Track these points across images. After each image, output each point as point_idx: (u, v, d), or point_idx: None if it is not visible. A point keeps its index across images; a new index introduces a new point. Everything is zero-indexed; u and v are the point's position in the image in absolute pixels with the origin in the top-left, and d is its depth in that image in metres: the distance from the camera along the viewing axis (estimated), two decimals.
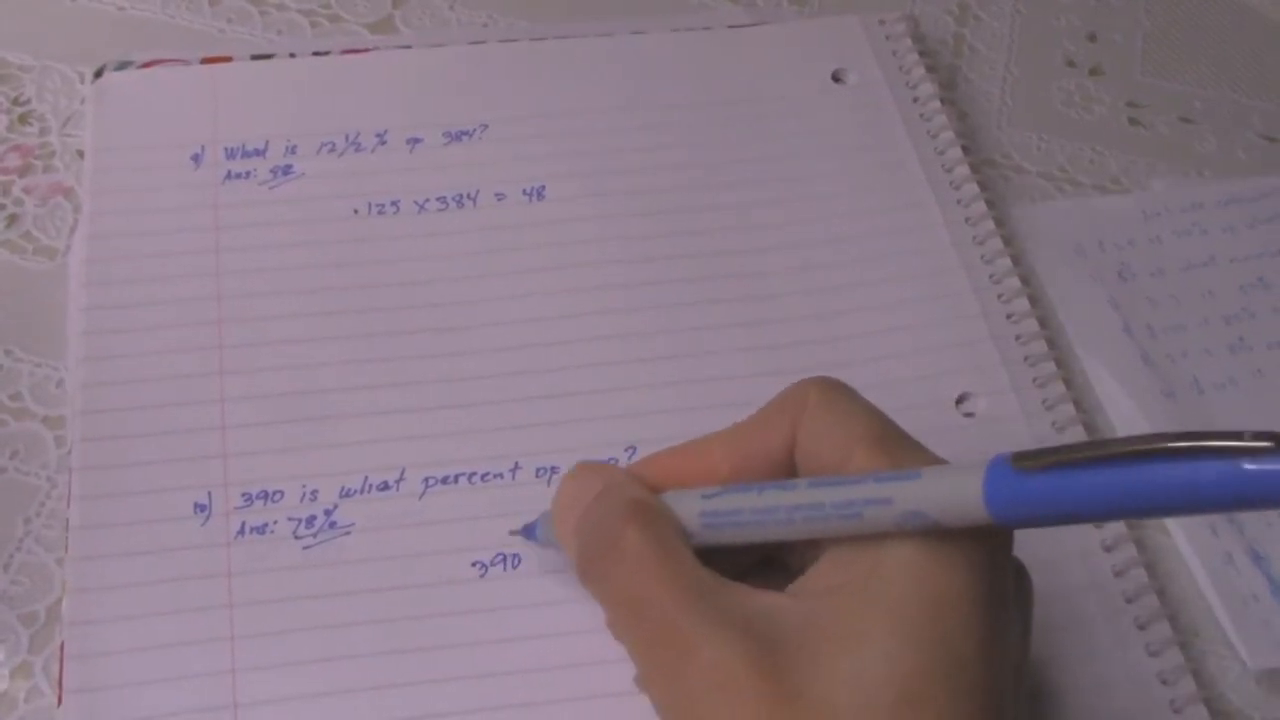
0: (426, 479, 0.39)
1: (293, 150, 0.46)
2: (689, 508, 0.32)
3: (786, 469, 0.33)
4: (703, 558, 0.32)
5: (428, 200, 0.45)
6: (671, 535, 0.32)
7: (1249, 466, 0.24)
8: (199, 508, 0.38)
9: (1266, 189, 0.50)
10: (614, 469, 0.35)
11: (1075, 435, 0.42)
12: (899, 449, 0.31)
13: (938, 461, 0.31)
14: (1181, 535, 0.42)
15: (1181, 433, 0.25)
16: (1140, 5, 0.56)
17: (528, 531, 0.38)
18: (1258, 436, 0.24)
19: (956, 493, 0.28)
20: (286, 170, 0.45)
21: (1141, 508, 0.26)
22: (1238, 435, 0.24)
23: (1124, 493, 0.26)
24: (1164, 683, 0.38)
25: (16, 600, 0.38)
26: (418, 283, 0.43)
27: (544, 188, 0.46)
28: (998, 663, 0.29)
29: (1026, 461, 0.27)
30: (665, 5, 0.53)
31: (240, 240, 0.44)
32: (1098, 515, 0.28)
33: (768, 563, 0.34)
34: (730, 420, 0.34)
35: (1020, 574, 0.32)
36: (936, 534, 0.29)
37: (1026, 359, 0.44)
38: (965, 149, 0.49)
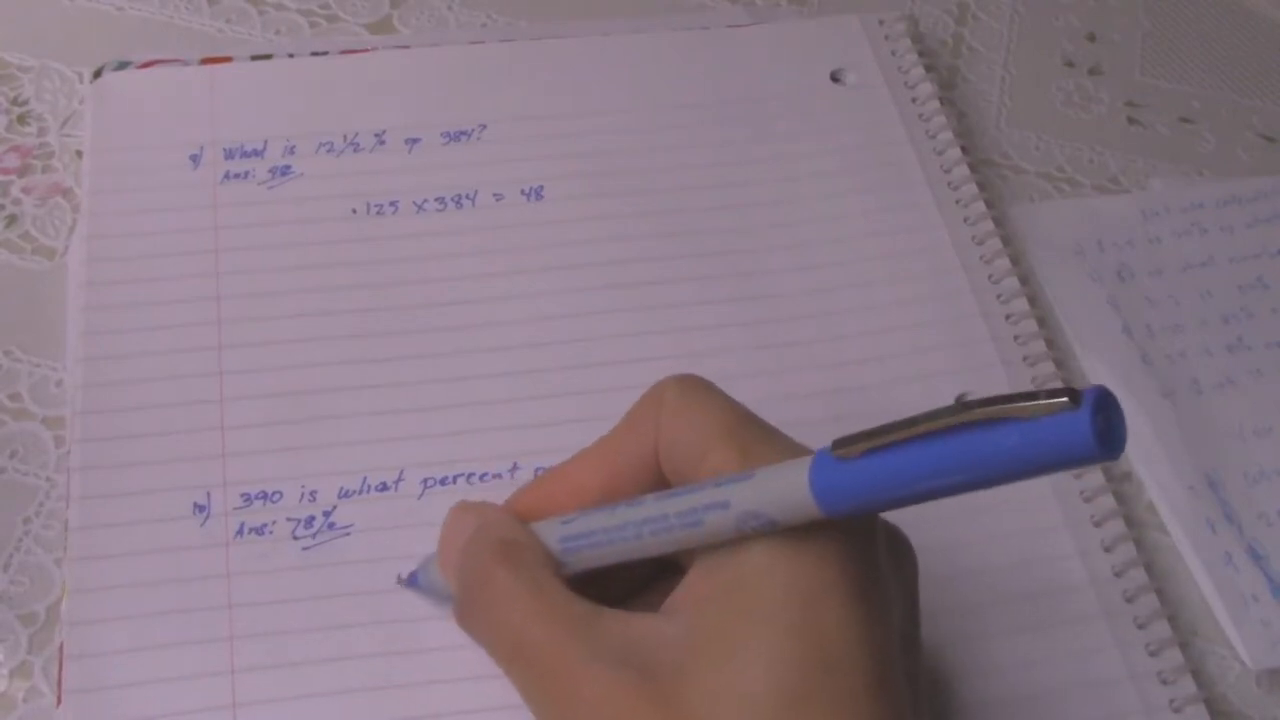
0: (425, 479, 0.39)
1: (291, 150, 0.46)
2: (551, 537, 0.32)
3: (657, 474, 0.32)
4: (590, 584, 0.31)
5: (426, 200, 0.45)
6: (542, 571, 0.31)
7: (1046, 425, 0.23)
8: (198, 508, 0.38)
9: (1265, 189, 0.50)
10: (489, 507, 0.34)
11: None
12: (752, 442, 0.30)
13: (796, 451, 0.30)
14: (1181, 535, 0.42)
15: (983, 399, 0.25)
16: (1140, 5, 0.56)
17: (411, 580, 0.37)
18: (1053, 394, 0.23)
19: (786, 488, 0.28)
20: (285, 170, 0.45)
21: (960, 482, 0.25)
22: (1033, 395, 0.24)
23: (938, 468, 0.25)
24: (1164, 682, 0.38)
25: (16, 600, 0.38)
26: (416, 283, 0.43)
27: (542, 188, 0.46)
28: (880, 648, 0.29)
29: (843, 449, 0.27)
30: (664, 5, 0.53)
31: (239, 240, 0.44)
32: (921, 494, 0.26)
33: (667, 572, 0.33)
34: None
35: (895, 541, 0.32)
36: (794, 532, 0.28)
37: (1025, 359, 0.44)
38: (964, 149, 0.49)
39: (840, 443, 0.27)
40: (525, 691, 0.31)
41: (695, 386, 0.32)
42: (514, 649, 0.31)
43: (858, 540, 0.29)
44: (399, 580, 0.38)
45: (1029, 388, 0.43)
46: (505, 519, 0.33)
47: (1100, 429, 0.23)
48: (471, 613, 0.32)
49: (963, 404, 0.25)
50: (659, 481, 0.32)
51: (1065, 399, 0.23)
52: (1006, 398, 0.24)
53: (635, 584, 0.32)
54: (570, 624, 0.30)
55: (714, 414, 0.31)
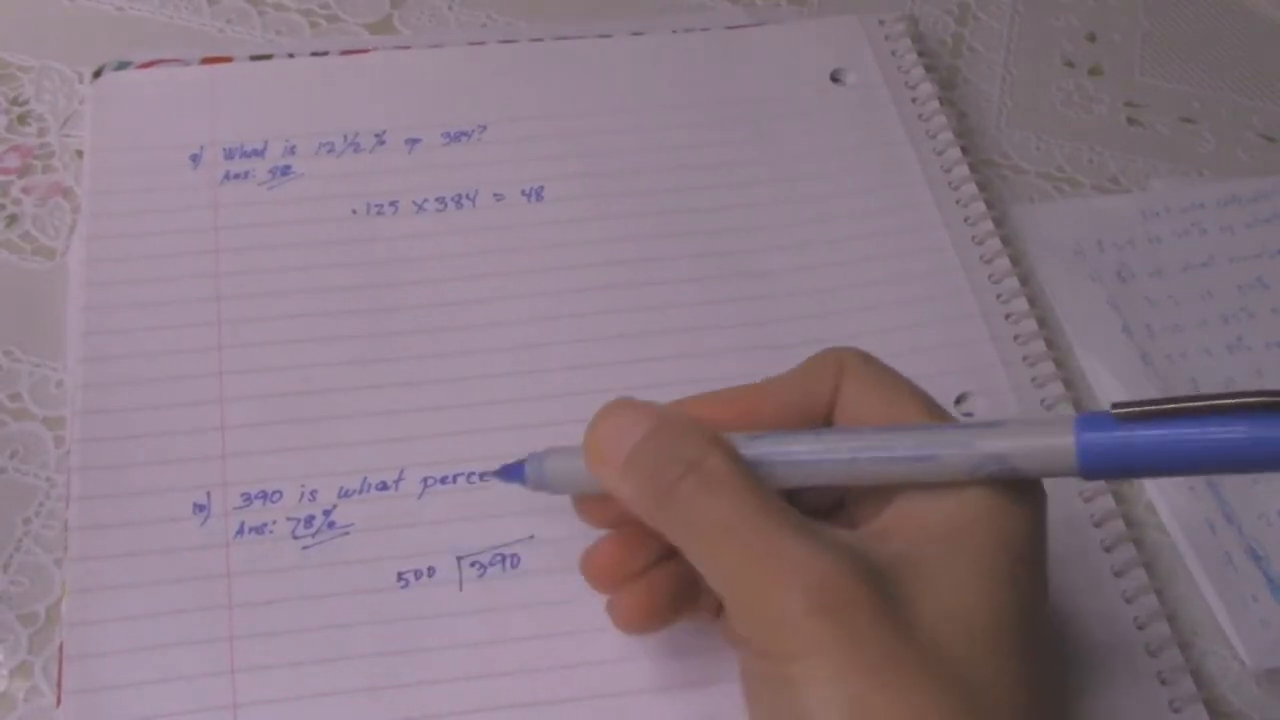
0: (425, 479, 0.39)
1: (291, 151, 0.46)
2: (733, 442, 0.32)
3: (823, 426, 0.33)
4: None
5: (426, 201, 0.45)
6: (748, 467, 0.31)
7: None
8: (198, 508, 0.38)
9: (1265, 189, 0.50)
10: (661, 405, 0.34)
11: None
12: (947, 418, 0.32)
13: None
14: (1181, 535, 0.42)
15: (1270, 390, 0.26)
16: (1140, 5, 0.56)
17: (510, 473, 0.36)
18: None
19: (1048, 440, 0.29)
20: (285, 170, 0.45)
21: (1227, 466, 0.27)
22: None
23: (1213, 449, 0.27)
24: (1163, 682, 0.38)
25: (16, 600, 0.38)
26: (416, 283, 0.43)
27: (543, 188, 0.46)
28: (1048, 606, 0.31)
29: (1123, 410, 0.28)
30: (664, 6, 0.53)
31: (239, 240, 0.44)
32: (1181, 470, 0.28)
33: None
34: None
35: None
36: (1005, 487, 0.30)
37: (1025, 359, 0.44)
38: (964, 149, 0.49)
39: (1120, 404, 0.28)
40: (730, 579, 0.30)
41: (878, 361, 0.34)
42: (726, 532, 0.30)
43: (1044, 508, 0.31)
44: (484, 475, 0.38)
45: (1029, 388, 0.43)
46: (701, 421, 0.33)
47: None
48: (674, 497, 0.31)
49: (1251, 392, 0.26)
50: None
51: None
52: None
53: None
54: (789, 516, 0.30)
55: (907, 391, 0.33)
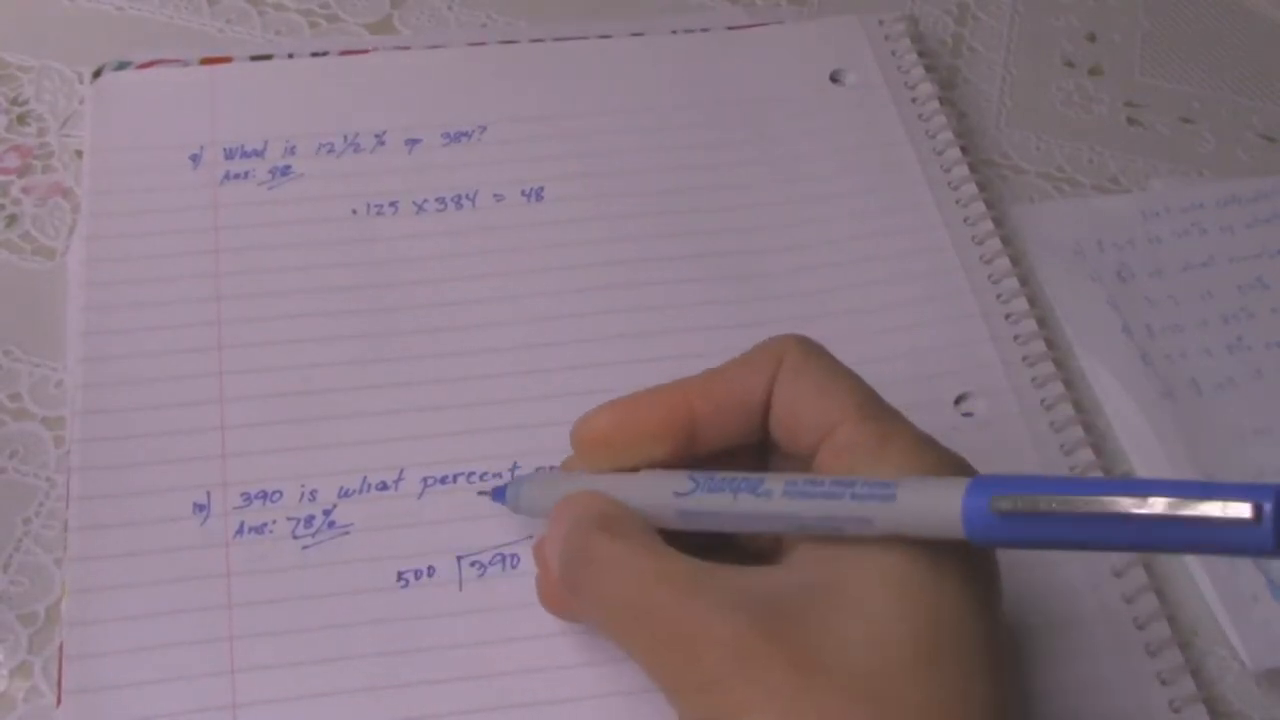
0: (425, 479, 0.39)
1: (291, 151, 0.46)
2: (663, 499, 0.32)
3: (759, 424, 0.33)
4: (670, 541, 0.32)
5: (426, 201, 0.45)
6: (645, 535, 0.32)
7: (1225, 532, 0.24)
8: (198, 508, 0.38)
9: (1265, 189, 0.50)
10: (583, 493, 0.34)
11: (1073, 435, 0.42)
12: (883, 415, 0.31)
13: (926, 443, 0.31)
14: None
15: (1152, 483, 0.25)
16: (1140, 5, 0.56)
17: (497, 494, 0.38)
18: (1226, 496, 0.24)
19: (938, 521, 0.28)
20: (285, 171, 0.45)
21: (1115, 548, 0.27)
22: (1206, 492, 0.24)
23: (1099, 539, 0.26)
24: (1163, 683, 0.38)
25: (16, 600, 0.38)
26: (416, 283, 0.43)
27: (543, 189, 0.46)
28: (992, 630, 0.30)
29: (1004, 504, 0.27)
30: (664, 6, 0.53)
31: (239, 241, 0.44)
32: (1069, 548, 0.29)
33: (716, 544, 0.34)
34: None
35: (991, 552, 0.33)
36: None
37: (1025, 359, 0.44)
38: (964, 149, 0.49)
39: (998, 492, 0.27)
40: (646, 654, 0.31)
41: (817, 350, 0.33)
42: (630, 613, 0.31)
43: None
44: (480, 492, 0.38)
45: (1029, 388, 0.43)
46: (600, 497, 0.33)
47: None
48: (580, 588, 0.32)
49: (1131, 484, 0.26)
50: (755, 429, 0.33)
51: (1243, 507, 0.24)
52: (1177, 489, 0.25)
53: (697, 551, 0.33)
54: (687, 582, 0.30)
55: (843, 384, 0.32)
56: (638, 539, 0.32)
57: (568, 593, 0.33)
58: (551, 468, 0.38)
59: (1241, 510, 0.24)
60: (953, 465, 0.31)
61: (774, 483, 0.31)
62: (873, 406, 0.32)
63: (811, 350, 0.33)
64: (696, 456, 0.34)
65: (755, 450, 0.34)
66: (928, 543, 0.29)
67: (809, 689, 0.28)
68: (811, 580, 0.30)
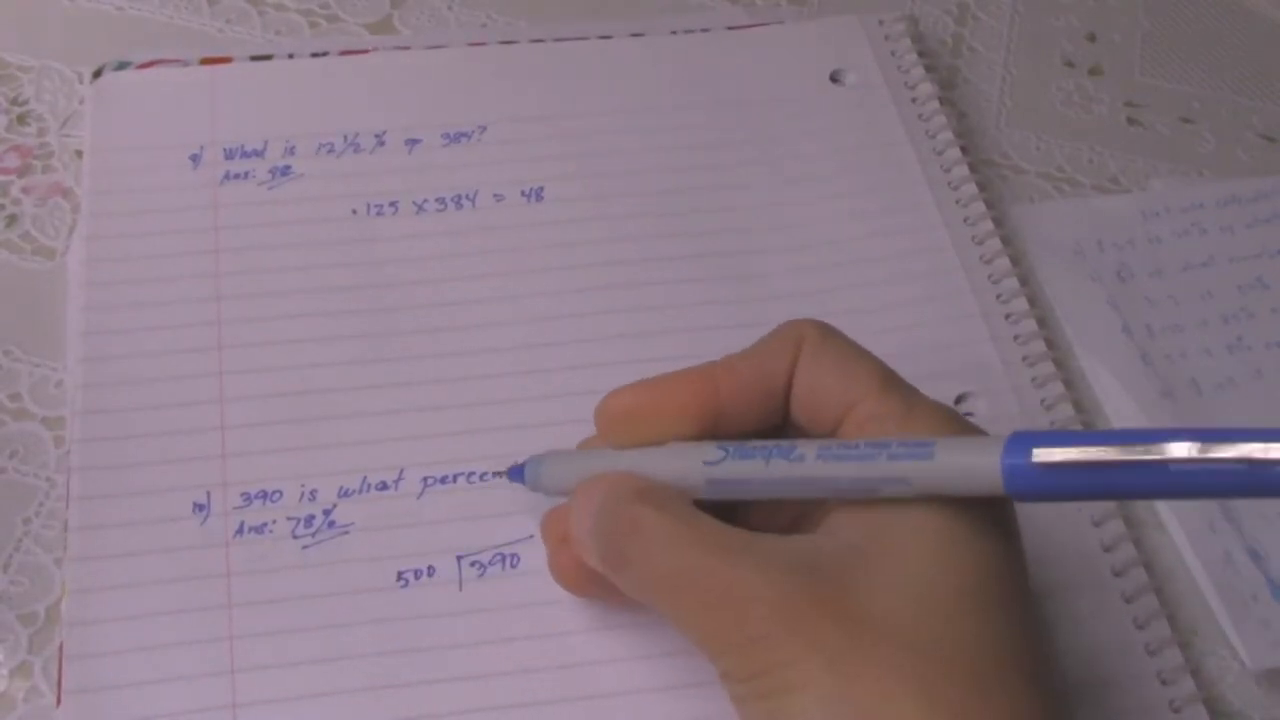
0: (425, 479, 0.39)
1: (291, 151, 0.46)
2: (692, 469, 0.33)
3: (781, 406, 0.33)
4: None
5: (426, 201, 0.45)
6: (684, 505, 0.32)
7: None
8: (198, 508, 0.38)
9: (1265, 189, 0.50)
10: (611, 474, 0.35)
11: None
12: (904, 392, 0.32)
13: (942, 405, 0.32)
14: (1181, 534, 0.42)
15: (1190, 430, 0.26)
16: (1140, 5, 0.56)
17: (513, 473, 0.38)
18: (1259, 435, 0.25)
19: (977, 475, 0.29)
20: (285, 171, 0.45)
21: (1146, 494, 0.28)
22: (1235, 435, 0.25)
23: (1145, 486, 0.27)
24: (1163, 682, 0.38)
25: (16, 600, 0.38)
26: (416, 283, 0.43)
27: (542, 189, 0.46)
28: (1026, 583, 0.31)
29: (1044, 452, 0.28)
30: (664, 6, 0.53)
31: (239, 241, 0.44)
32: (1108, 498, 0.29)
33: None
34: None
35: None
36: None
37: (1025, 359, 0.44)
38: (964, 149, 0.49)
39: (1038, 445, 0.28)
40: (692, 622, 0.31)
41: (835, 332, 0.34)
42: (677, 580, 0.31)
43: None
44: (496, 473, 0.39)
45: (1029, 388, 0.43)
46: (632, 475, 0.34)
47: None
48: (623, 563, 0.33)
49: (1170, 432, 0.26)
50: (777, 411, 0.33)
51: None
52: (1208, 435, 0.26)
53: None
54: (730, 543, 0.31)
55: (863, 362, 0.33)
56: (679, 509, 0.32)
57: (610, 567, 0.33)
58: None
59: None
60: (978, 432, 0.32)
61: (806, 448, 0.31)
62: (894, 381, 0.32)
63: (829, 332, 0.34)
64: (719, 439, 0.34)
65: (775, 434, 0.35)
66: (962, 502, 0.30)
67: (855, 642, 0.29)
68: (851, 542, 0.30)
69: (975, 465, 0.29)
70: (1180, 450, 0.26)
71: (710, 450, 0.33)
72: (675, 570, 0.31)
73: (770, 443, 0.32)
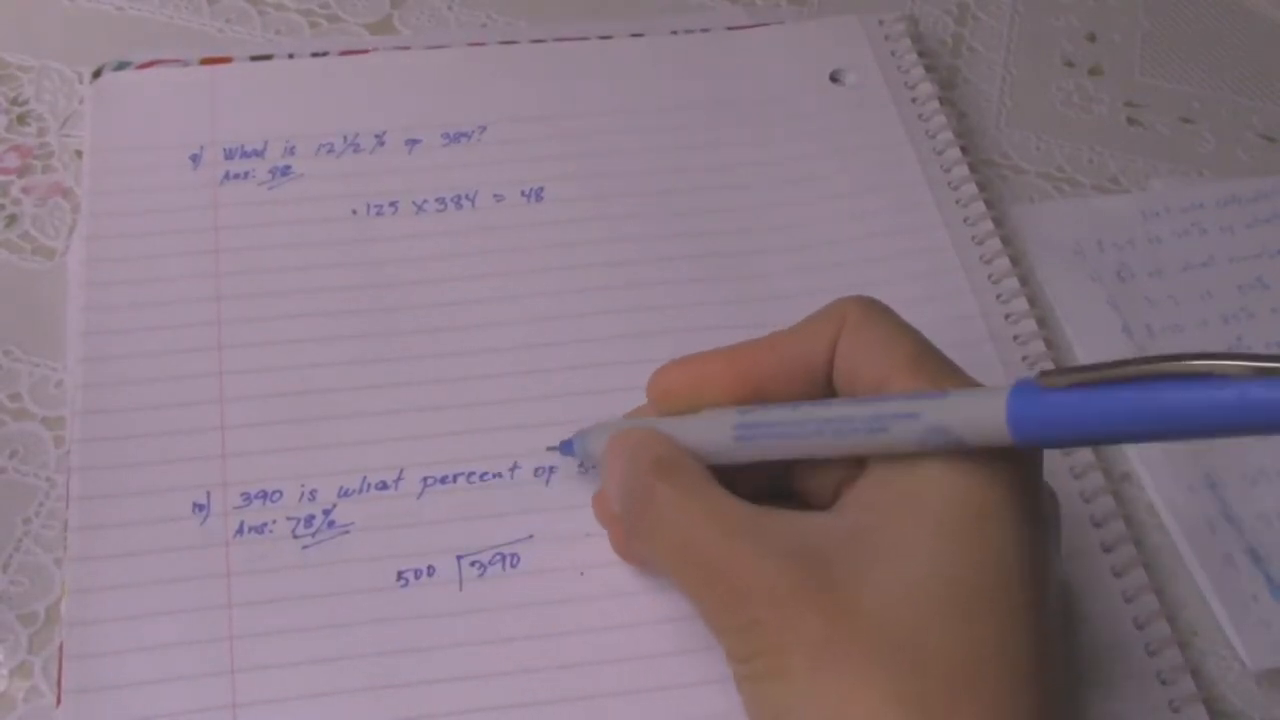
0: (425, 479, 0.39)
1: (291, 151, 0.46)
2: (725, 422, 0.33)
3: (823, 384, 0.34)
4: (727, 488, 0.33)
5: (426, 201, 0.45)
6: (700, 479, 0.33)
7: (1260, 392, 0.24)
8: (198, 508, 0.38)
9: (1265, 189, 0.50)
10: (636, 432, 0.35)
11: None
12: (938, 371, 0.32)
13: (971, 382, 0.32)
14: (1181, 535, 0.42)
15: (1200, 353, 0.25)
16: (1140, 5, 0.56)
17: (565, 447, 0.39)
18: (1257, 358, 0.24)
19: (982, 410, 0.29)
20: (285, 171, 0.45)
21: (1158, 430, 0.26)
22: (1256, 356, 0.24)
23: (1141, 413, 0.26)
24: (1163, 682, 0.38)
25: (16, 600, 0.38)
26: (416, 283, 0.43)
27: (542, 189, 0.46)
28: (1041, 570, 0.30)
29: (1051, 378, 0.27)
30: (664, 6, 0.53)
31: (239, 241, 0.44)
32: (1114, 437, 0.28)
33: (782, 499, 0.35)
34: None
35: (1052, 498, 0.33)
36: (971, 454, 0.30)
37: (1025, 359, 0.44)
38: (964, 149, 0.49)
39: (1047, 373, 0.28)
40: (698, 593, 0.32)
41: (879, 310, 0.34)
42: (684, 555, 0.32)
43: (1027, 469, 0.31)
44: (549, 448, 0.39)
45: None
46: (656, 438, 0.34)
47: None
48: (639, 531, 0.34)
49: (1177, 355, 0.26)
50: (824, 392, 0.34)
51: (1276, 365, 0.24)
52: (1214, 355, 0.25)
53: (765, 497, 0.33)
54: (735, 523, 0.31)
55: (900, 341, 0.33)
56: (691, 480, 0.33)
57: (628, 535, 0.34)
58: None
59: (1273, 367, 0.24)
60: None
61: (837, 399, 0.32)
62: (928, 360, 0.32)
63: (873, 308, 0.34)
64: None
65: None
66: (986, 483, 0.29)
67: (837, 638, 0.29)
68: (860, 525, 0.30)
69: (983, 398, 0.29)
70: (1225, 395, 0.24)
71: (742, 411, 0.33)
72: (681, 544, 0.32)
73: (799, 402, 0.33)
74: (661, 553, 0.33)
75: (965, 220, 0.47)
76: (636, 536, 0.34)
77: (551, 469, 0.40)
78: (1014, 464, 0.30)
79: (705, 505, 0.32)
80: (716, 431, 0.34)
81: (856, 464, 0.32)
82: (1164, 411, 0.26)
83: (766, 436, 0.33)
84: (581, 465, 0.39)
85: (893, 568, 0.29)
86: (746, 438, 0.33)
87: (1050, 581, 0.31)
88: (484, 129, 0.47)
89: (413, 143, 0.47)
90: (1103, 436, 0.28)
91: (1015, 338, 0.44)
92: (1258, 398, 0.24)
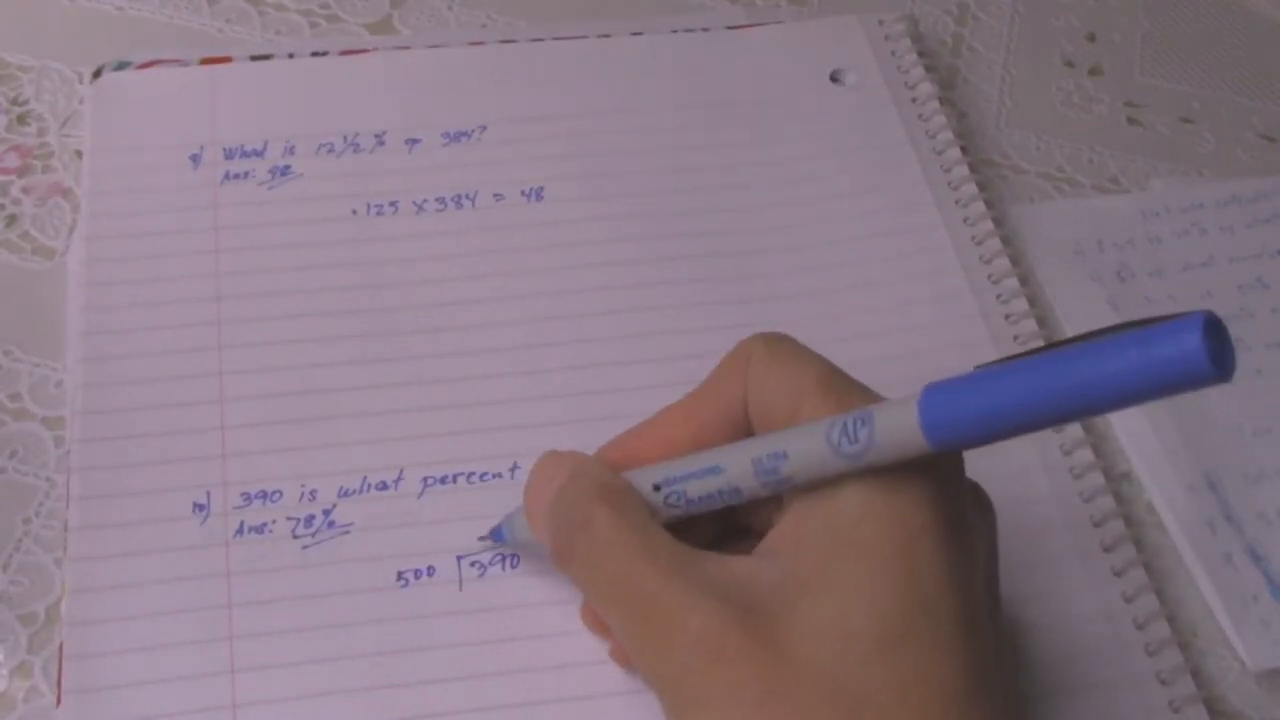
0: (425, 479, 0.39)
1: (291, 151, 0.46)
2: (644, 484, 0.33)
3: (744, 427, 0.33)
4: (672, 532, 0.32)
5: (426, 201, 0.45)
6: (640, 513, 0.32)
7: (1157, 338, 0.24)
8: (198, 508, 0.38)
9: (1265, 189, 0.50)
10: (579, 455, 0.35)
11: (1073, 435, 0.42)
12: (845, 392, 0.31)
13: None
14: (1181, 535, 0.42)
15: (1106, 328, 0.25)
16: (1140, 5, 0.56)
17: (496, 535, 0.38)
18: (1169, 317, 0.24)
19: (892, 420, 0.28)
20: (285, 171, 0.45)
21: (1067, 404, 0.26)
22: (1149, 320, 0.24)
23: (1046, 387, 0.26)
24: (1163, 682, 0.38)
25: (16, 600, 0.38)
26: (416, 283, 0.43)
27: (542, 189, 0.46)
28: (968, 590, 0.30)
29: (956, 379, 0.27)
30: (664, 6, 0.53)
31: (239, 241, 0.44)
32: (1029, 421, 0.27)
33: (731, 532, 0.34)
34: None
35: (977, 494, 0.33)
36: (888, 475, 0.29)
37: None
38: (964, 149, 0.49)
39: (947, 386, 0.28)
40: (625, 630, 0.31)
41: (782, 341, 0.33)
42: (615, 588, 0.31)
43: (947, 486, 0.30)
44: (480, 538, 0.38)
45: None
46: (600, 465, 0.34)
47: (1213, 349, 0.23)
48: (570, 555, 0.33)
49: (1080, 335, 0.26)
50: (747, 435, 0.33)
51: (1177, 323, 0.24)
52: (1114, 326, 0.25)
53: (701, 543, 0.32)
54: (671, 564, 0.31)
55: (805, 367, 0.32)
56: (630, 513, 0.32)
57: (559, 558, 0.33)
58: None
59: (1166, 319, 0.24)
60: None
61: (742, 443, 0.32)
62: (834, 383, 0.31)
63: (774, 341, 0.33)
64: None
65: None
66: (911, 511, 0.29)
67: (773, 687, 0.28)
68: (790, 566, 0.30)
69: (894, 407, 0.28)
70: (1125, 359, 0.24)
71: (659, 470, 0.33)
72: (616, 577, 0.31)
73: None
74: (592, 582, 0.32)
75: (965, 220, 0.47)
76: (567, 560, 0.33)
77: None
78: (934, 483, 0.30)
79: (643, 540, 0.31)
80: (645, 494, 0.33)
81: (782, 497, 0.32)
82: (1067, 381, 0.25)
83: (686, 489, 0.32)
84: (512, 552, 0.38)
85: (821, 608, 0.29)
86: (669, 494, 0.32)
87: (981, 595, 0.30)
88: (484, 129, 0.47)
89: (413, 142, 0.47)
90: (1022, 418, 0.27)
91: (1015, 338, 0.44)
92: (1152, 353, 0.24)
